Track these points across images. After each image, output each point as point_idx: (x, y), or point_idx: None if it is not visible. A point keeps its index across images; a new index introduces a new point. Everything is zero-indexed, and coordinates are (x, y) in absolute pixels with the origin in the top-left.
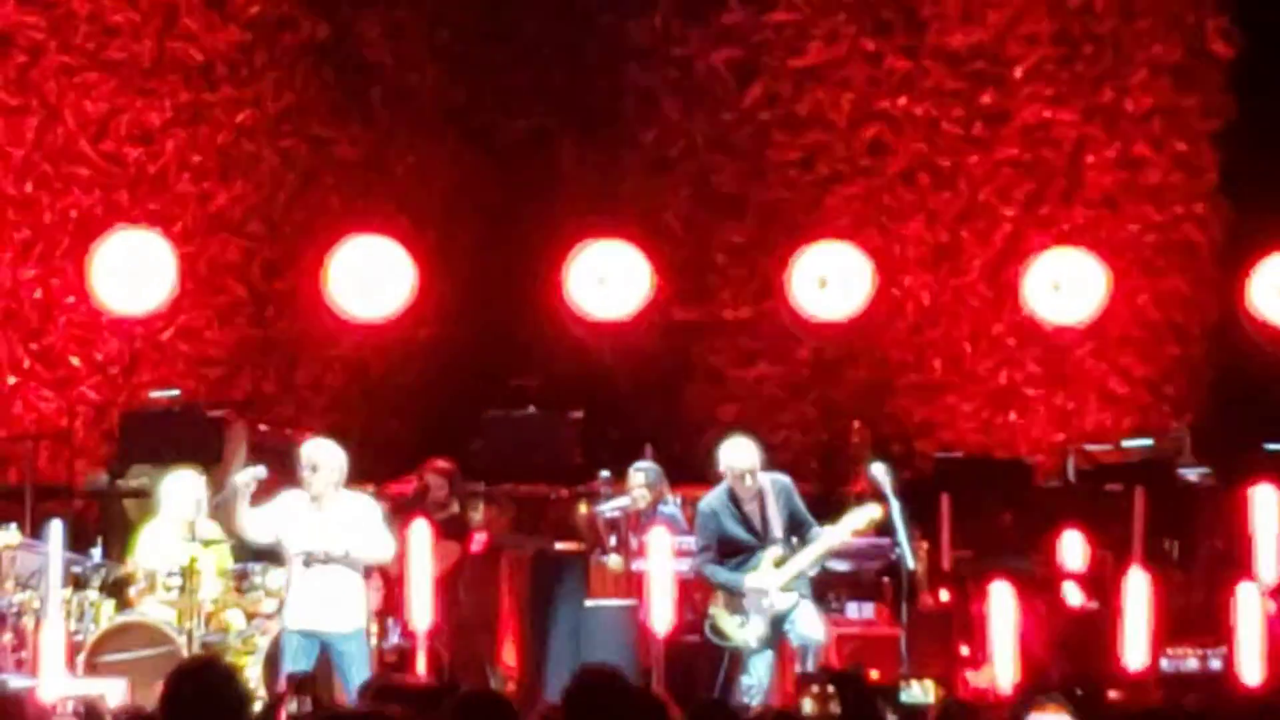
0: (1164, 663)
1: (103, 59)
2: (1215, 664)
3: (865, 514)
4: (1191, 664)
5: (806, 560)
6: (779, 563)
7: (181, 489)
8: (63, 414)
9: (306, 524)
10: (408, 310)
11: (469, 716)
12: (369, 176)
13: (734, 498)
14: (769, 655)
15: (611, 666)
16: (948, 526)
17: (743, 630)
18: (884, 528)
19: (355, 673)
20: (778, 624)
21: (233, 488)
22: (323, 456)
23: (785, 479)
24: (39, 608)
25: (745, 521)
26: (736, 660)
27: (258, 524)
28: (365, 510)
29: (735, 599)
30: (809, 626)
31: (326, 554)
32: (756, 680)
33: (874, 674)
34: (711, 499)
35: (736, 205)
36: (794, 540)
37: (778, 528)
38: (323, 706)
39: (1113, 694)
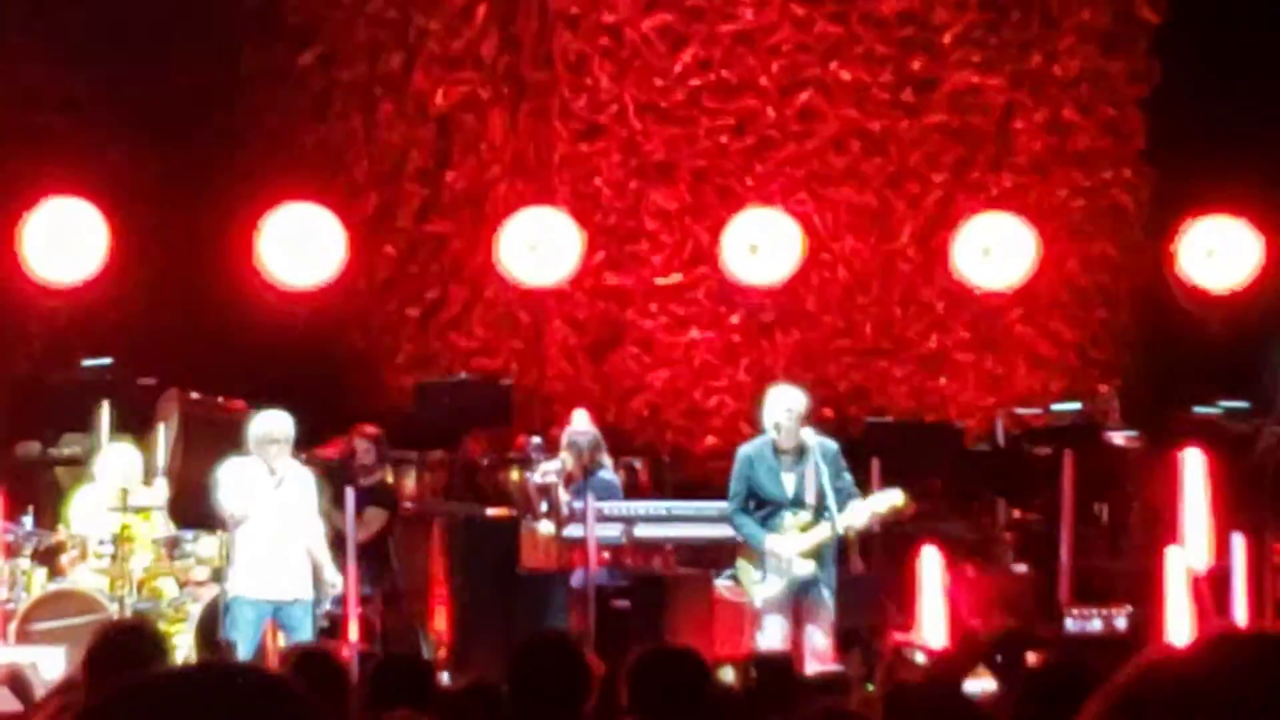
0: (1068, 623)
1: None
2: (1120, 624)
3: (888, 498)
4: (1096, 625)
5: (826, 533)
6: (804, 528)
7: (117, 457)
8: None
9: (268, 495)
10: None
11: (384, 680)
12: None
13: (775, 450)
14: (780, 620)
15: (557, 631)
16: (878, 490)
17: (757, 587)
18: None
19: (303, 639)
20: (793, 589)
21: None
22: (289, 428)
23: (834, 445)
24: None
25: (779, 477)
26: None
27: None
28: (312, 481)
29: (757, 554)
30: (821, 609)
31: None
32: (768, 642)
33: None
34: (749, 447)
35: (667, 172)
36: (827, 509)
37: (811, 491)
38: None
39: (1031, 656)
